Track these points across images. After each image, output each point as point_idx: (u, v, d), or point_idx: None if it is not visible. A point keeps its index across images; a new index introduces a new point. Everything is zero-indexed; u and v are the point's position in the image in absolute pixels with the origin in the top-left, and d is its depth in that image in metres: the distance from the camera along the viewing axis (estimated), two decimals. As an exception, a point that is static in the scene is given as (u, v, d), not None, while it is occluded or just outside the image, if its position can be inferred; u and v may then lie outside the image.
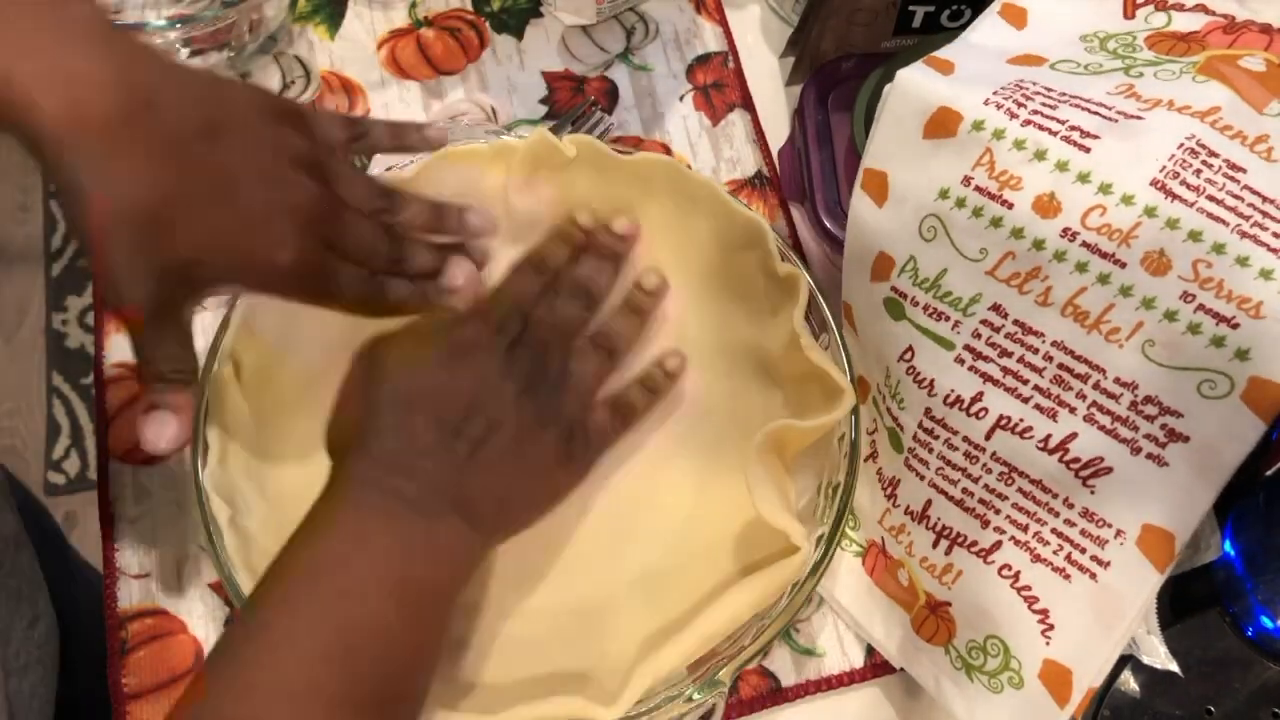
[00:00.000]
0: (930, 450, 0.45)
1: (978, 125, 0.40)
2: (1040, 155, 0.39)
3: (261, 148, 0.41)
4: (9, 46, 0.35)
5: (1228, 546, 0.47)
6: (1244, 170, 0.38)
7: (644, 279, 0.53)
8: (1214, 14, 0.46)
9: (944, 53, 0.44)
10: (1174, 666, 0.45)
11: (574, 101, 0.63)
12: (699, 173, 0.54)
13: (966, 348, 0.42)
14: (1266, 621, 0.47)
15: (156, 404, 0.41)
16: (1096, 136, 0.39)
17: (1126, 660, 0.46)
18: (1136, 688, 0.48)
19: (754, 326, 0.52)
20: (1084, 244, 0.39)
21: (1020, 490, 0.43)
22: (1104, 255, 0.38)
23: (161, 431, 0.41)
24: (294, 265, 0.41)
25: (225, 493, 0.46)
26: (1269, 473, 0.41)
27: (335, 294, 0.44)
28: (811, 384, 0.48)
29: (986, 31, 0.46)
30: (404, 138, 0.49)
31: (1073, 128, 0.39)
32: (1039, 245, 0.39)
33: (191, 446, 0.47)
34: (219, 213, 0.39)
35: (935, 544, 0.46)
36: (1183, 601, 0.48)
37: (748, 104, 0.64)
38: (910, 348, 0.44)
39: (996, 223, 0.40)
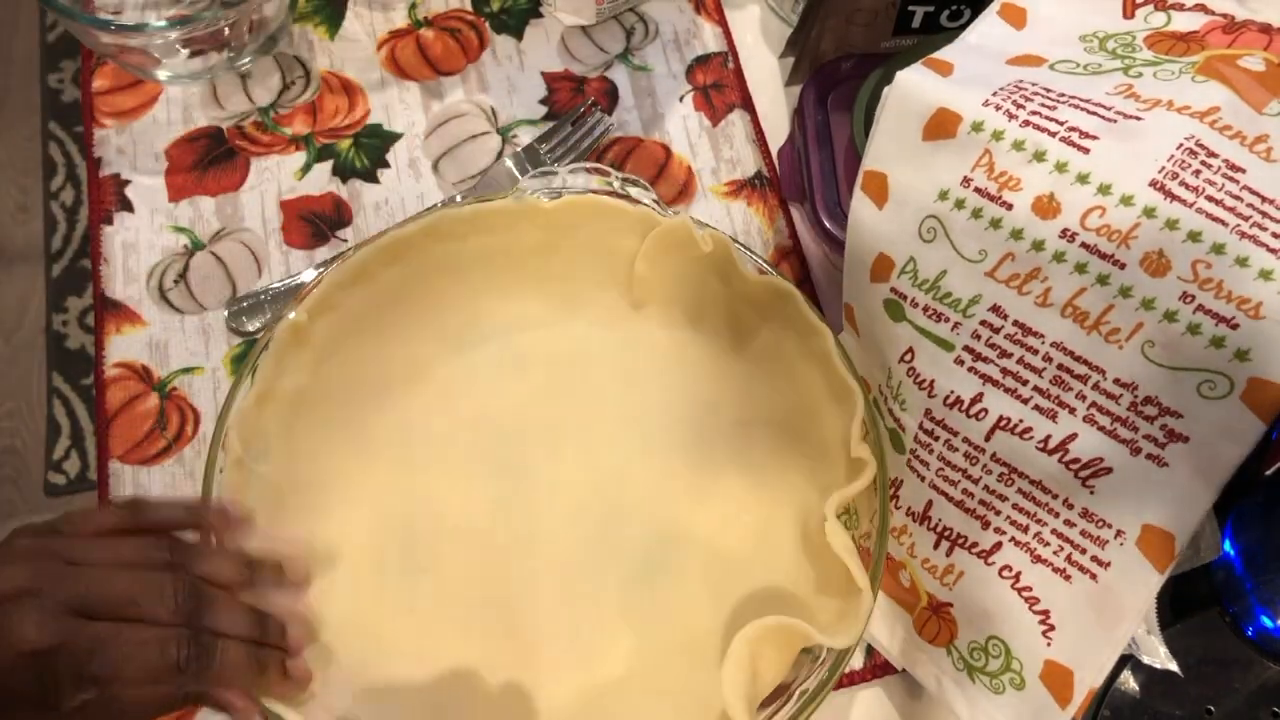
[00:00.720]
0: (930, 451, 0.45)
1: (977, 126, 0.40)
2: (1039, 156, 0.39)
3: None
4: None
5: (1228, 546, 0.47)
6: (1243, 170, 0.38)
7: None
8: (1213, 13, 0.46)
9: (943, 54, 0.44)
10: (1174, 666, 0.45)
11: (574, 102, 0.63)
12: (819, 317, 0.50)
13: (966, 349, 0.42)
14: (1266, 621, 0.47)
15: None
16: (1095, 137, 0.39)
17: (1126, 660, 0.47)
18: (1136, 688, 0.48)
19: (809, 488, 0.50)
20: (1083, 245, 0.39)
21: (1020, 491, 0.43)
22: (1103, 256, 0.38)
23: None
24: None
25: (247, 433, 0.46)
26: (1269, 473, 0.41)
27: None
28: (834, 569, 0.46)
29: (986, 32, 0.46)
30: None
31: (1072, 128, 0.39)
32: (1038, 246, 0.39)
33: (234, 384, 0.47)
34: None
35: (936, 545, 0.46)
36: (1183, 601, 0.48)
37: (747, 104, 0.64)
38: (910, 349, 0.44)
39: (996, 224, 0.40)
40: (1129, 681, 0.48)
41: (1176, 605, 0.48)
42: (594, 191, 0.53)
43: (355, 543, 0.49)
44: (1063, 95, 0.41)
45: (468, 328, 0.54)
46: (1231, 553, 0.48)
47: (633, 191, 0.53)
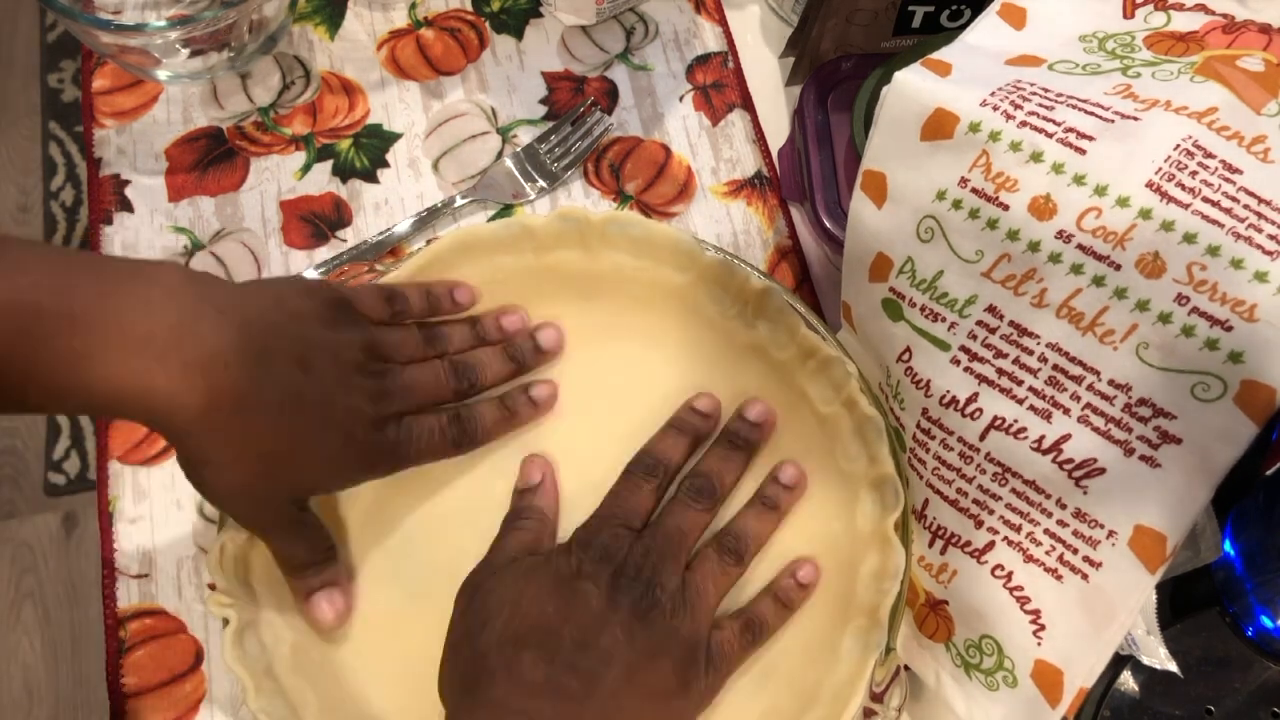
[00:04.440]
0: (927, 450, 0.45)
1: (974, 127, 0.40)
2: (1036, 157, 0.39)
3: (336, 368, 0.44)
4: (139, 354, 0.37)
5: (1228, 546, 0.47)
6: (1240, 171, 0.38)
7: (781, 472, 0.49)
8: (1214, 14, 0.46)
9: (942, 54, 0.44)
10: (1174, 666, 0.45)
11: (574, 101, 0.63)
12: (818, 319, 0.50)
13: (962, 349, 0.42)
14: (1266, 621, 0.47)
15: (313, 588, 0.46)
16: (1092, 138, 0.39)
17: (1126, 660, 0.47)
18: (1136, 688, 0.48)
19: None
20: (1079, 246, 0.39)
21: (1014, 491, 0.43)
22: (1099, 257, 0.38)
23: (330, 606, 0.46)
24: (380, 455, 0.46)
25: None
26: (1269, 473, 0.41)
27: (428, 452, 0.47)
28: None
29: (985, 32, 0.46)
30: (438, 304, 0.50)
31: (1069, 129, 0.39)
32: (1034, 247, 0.39)
33: None
34: (316, 440, 0.43)
35: (931, 543, 0.46)
36: (1183, 601, 0.48)
37: (748, 104, 0.64)
38: (908, 348, 0.44)
39: (992, 224, 0.40)
40: (1129, 681, 0.48)
41: (1176, 605, 0.48)
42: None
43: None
44: (1061, 95, 0.41)
45: None
46: (1231, 553, 0.48)
47: None
